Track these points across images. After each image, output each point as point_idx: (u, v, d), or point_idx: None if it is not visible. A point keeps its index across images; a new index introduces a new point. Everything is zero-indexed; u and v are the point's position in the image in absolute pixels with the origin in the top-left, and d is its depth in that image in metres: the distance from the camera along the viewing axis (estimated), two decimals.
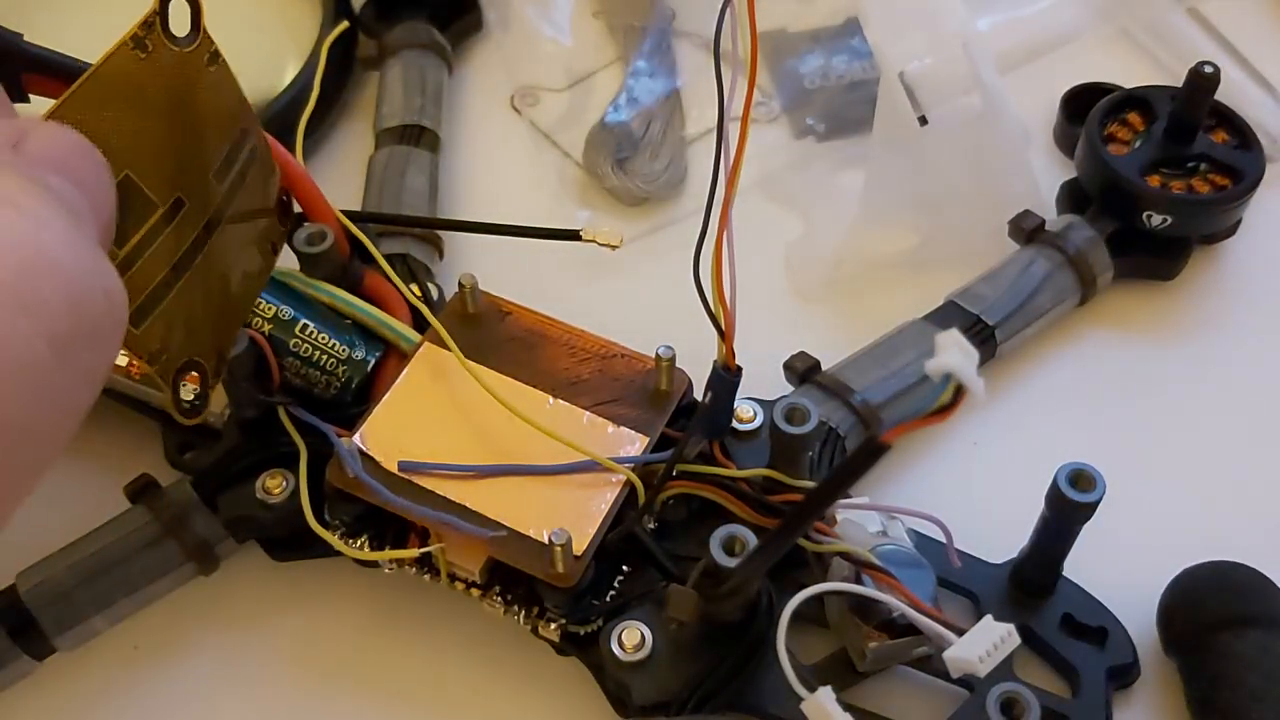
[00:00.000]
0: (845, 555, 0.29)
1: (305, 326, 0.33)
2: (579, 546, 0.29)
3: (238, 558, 0.34)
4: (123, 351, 0.25)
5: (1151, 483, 0.35)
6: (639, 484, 0.30)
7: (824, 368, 0.35)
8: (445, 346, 0.32)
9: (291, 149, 0.34)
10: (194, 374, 0.28)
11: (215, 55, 0.27)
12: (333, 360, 0.33)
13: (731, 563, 0.27)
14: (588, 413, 0.32)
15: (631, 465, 0.30)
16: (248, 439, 0.32)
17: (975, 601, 0.32)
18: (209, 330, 0.29)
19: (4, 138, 0.22)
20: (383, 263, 0.34)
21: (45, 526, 0.32)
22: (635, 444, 0.31)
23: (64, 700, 0.32)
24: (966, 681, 0.30)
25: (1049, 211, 0.40)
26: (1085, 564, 0.31)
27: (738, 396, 0.32)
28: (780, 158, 0.44)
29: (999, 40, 0.41)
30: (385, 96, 0.43)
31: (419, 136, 0.42)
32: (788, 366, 0.35)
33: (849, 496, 0.31)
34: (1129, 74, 0.43)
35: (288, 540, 0.32)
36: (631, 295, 0.39)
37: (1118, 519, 0.30)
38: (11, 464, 0.19)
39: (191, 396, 0.28)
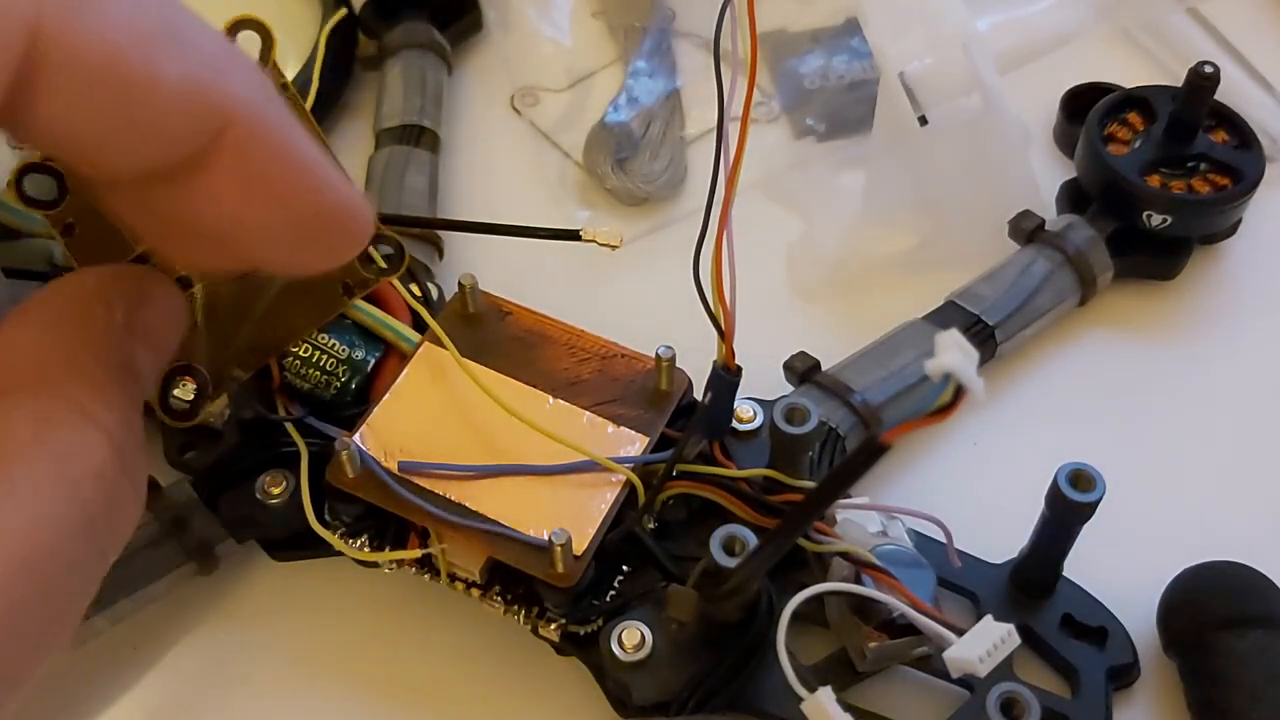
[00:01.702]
0: (845, 555, 0.29)
1: None
2: (579, 546, 0.29)
3: (238, 558, 0.34)
4: None
5: (1151, 482, 0.35)
6: (639, 484, 0.30)
7: (824, 368, 0.35)
8: (445, 346, 0.32)
9: None
10: (188, 377, 0.28)
11: (284, 86, 0.27)
12: (333, 360, 0.33)
13: (731, 563, 0.27)
14: (588, 413, 0.32)
15: (631, 465, 0.30)
16: (248, 439, 0.32)
17: (975, 601, 0.32)
18: (219, 344, 0.29)
19: (122, 299, 0.24)
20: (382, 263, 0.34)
21: None
22: (635, 444, 0.31)
23: (64, 700, 0.32)
24: (966, 681, 0.30)
25: (1049, 211, 0.40)
26: (1085, 564, 0.31)
27: (738, 396, 0.32)
28: (780, 158, 0.44)
29: (999, 40, 0.41)
30: (385, 96, 0.43)
31: (419, 136, 0.42)
32: (788, 366, 0.35)
33: (849, 496, 0.31)
34: (1129, 74, 0.43)
35: (288, 540, 0.32)
36: (631, 295, 0.39)
37: (1117, 519, 0.30)
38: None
39: (187, 398, 0.28)
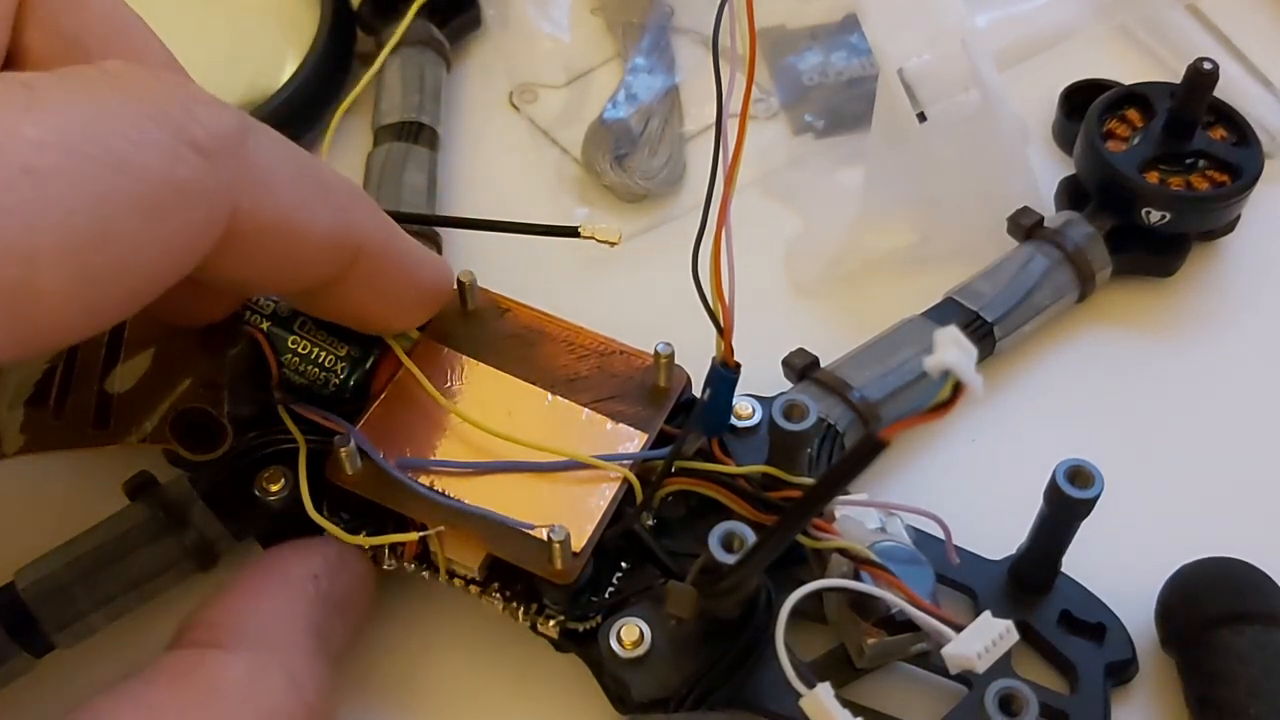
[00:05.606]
0: (844, 552, 0.29)
1: (304, 323, 0.33)
2: (578, 543, 0.29)
3: (236, 554, 0.33)
4: None
5: (1150, 479, 0.35)
6: (635, 481, 0.30)
7: (823, 364, 0.35)
8: (444, 342, 0.32)
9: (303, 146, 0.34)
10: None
11: None
12: (332, 357, 0.33)
13: (730, 559, 0.27)
14: (586, 409, 0.32)
15: (630, 462, 0.30)
16: (246, 436, 0.32)
17: (974, 598, 0.32)
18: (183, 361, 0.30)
19: (325, 570, 0.28)
20: None
21: (44, 523, 0.32)
22: (634, 441, 0.31)
23: (63, 698, 0.32)
24: (965, 678, 0.30)
25: (1048, 208, 0.40)
26: (1084, 560, 0.31)
27: (736, 393, 0.32)
28: (779, 154, 0.44)
29: (998, 37, 0.41)
30: (384, 93, 0.43)
31: (417, 133, 0.42)
32: (786, 363, 0.35)
33: (848, 493, 0.31)
34: (1128, 70, 0.43)
35: (286, 537, 0.32)
36: (630, 292, 0.39)
37: (1116, 515, 0.30)
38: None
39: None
